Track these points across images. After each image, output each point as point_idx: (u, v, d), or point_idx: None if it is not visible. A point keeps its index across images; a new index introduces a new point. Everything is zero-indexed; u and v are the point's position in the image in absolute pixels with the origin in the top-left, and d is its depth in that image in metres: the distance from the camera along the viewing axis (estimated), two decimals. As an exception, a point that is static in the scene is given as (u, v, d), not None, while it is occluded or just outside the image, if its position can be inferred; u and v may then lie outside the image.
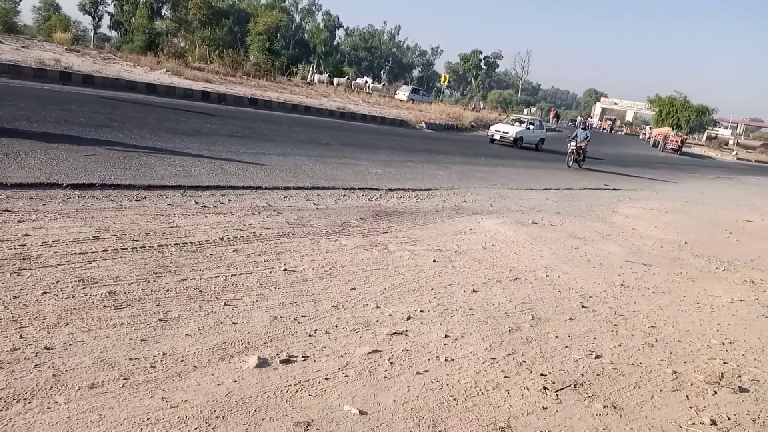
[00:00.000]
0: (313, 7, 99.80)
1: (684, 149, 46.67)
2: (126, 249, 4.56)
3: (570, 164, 19.11)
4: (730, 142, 66.30)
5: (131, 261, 4.33)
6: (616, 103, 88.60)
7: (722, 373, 3.98)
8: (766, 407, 3.56)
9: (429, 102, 43.14)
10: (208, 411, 2.65)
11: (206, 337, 3.37)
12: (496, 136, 23.63)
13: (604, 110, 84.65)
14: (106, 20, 66.53)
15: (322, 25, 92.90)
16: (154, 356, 3.06)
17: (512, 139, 23.24)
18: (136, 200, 6.14)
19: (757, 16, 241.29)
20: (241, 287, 4.20)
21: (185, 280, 4.16)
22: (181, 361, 3.06)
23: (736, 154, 52.41)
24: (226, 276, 4.36)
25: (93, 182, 6.43)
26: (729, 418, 3.35)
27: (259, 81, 28.95)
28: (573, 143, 18.92)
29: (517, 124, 25.21)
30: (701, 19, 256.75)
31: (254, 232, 5.61)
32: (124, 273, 4.08)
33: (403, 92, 45.92)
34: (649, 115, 69.06)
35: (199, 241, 5.06)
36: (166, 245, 4.81)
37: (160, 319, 3.48)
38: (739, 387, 3.79)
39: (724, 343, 4.59)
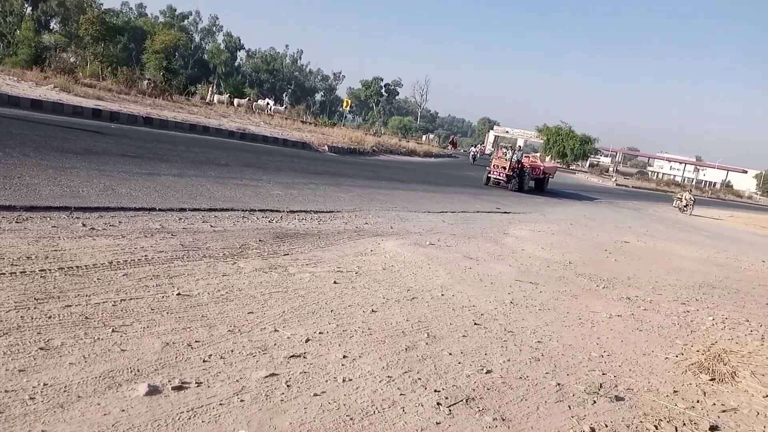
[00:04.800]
0: (214, 28, 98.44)
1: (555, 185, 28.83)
2: (3, 274, 4.25)
3: None
4: (610, 169, 71.61)
5: (9, 287, 4.05)
6: (507, 132, 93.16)
7: (601, 384, 4.27)
8: (639, 413, 3.86)
9: None
10: (93, 442, 2.53)
11: (92, 365, 3.21)
12: None
13: (497, 138, 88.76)
14: (-16, 31, 62.07)
15: (222, 46, 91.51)
16: (34, 387, 2.88)
17: None
18: (16, 222, 5.75)
19: (631, 53, 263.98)
20: (131, 313, 4.03)
21: (70, 306, 3.94)
22: (64, 391, 2.90)
23: (615, 180, 56.56)
24: (114, 301, 4.17)
25: (-34, 203, 5.97)
26: (606, 426, 3.60)
27: (156, 100, 27.94)
28: None
29: None
30: (580, 53, 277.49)
31: (146, 256, 5.41)
32: (0, 300, 3.81)
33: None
34: (538, 143, 73.18)
35: (85, 265, 4.81)
36: (49, 270, 4.53)
37: (41, 348, 3.28)
38: (615, 396, 4.08)
39: (603, 356, 4.92)
